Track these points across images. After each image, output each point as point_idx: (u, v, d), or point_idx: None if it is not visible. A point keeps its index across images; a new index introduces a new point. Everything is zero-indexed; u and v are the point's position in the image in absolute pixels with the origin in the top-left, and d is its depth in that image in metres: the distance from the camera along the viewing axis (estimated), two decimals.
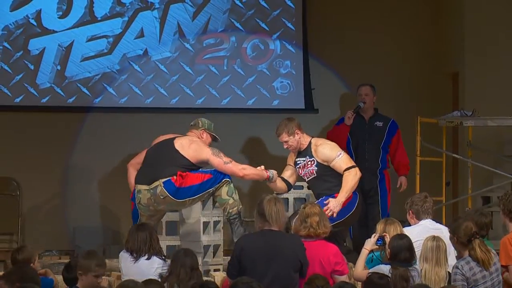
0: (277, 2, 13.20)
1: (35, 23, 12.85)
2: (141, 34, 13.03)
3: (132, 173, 9.63)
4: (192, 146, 9.45)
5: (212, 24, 13.14)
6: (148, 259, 8.30)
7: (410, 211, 8.95)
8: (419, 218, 8.88)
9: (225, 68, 13.16)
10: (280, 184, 9.94)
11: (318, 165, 9.80)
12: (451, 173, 12.71)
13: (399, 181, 11.36)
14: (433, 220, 8.96)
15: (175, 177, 9.27)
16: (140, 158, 9.68)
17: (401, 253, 7.88)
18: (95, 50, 12.96)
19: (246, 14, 13.18)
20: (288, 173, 10.03)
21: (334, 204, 9.52)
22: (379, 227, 8.51)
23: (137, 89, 13.00)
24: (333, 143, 10.09)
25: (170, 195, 9.27)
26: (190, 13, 13.10)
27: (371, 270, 7.92)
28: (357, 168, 9.81)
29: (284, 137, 9.89)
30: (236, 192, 9.48)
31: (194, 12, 13.09)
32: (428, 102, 13.03)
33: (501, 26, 12.74)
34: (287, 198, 10.73)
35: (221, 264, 10.00)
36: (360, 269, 8.21)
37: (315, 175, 9.83)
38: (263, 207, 8.01)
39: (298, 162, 9.96)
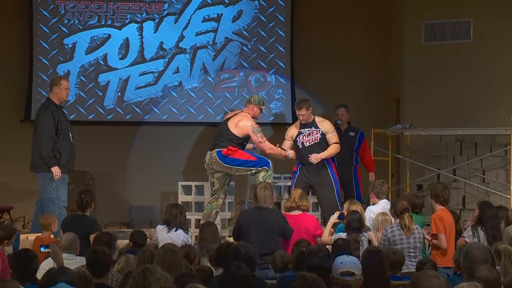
0: (273, 47, 13.24)
1: (102, 63, 12.93)
2: (177, 70, 13.08)
3: None
4: (238, 124, 9.75)
5: (227, 63, 13.17)
6: (175, 230, 8.09)
7: (372, 193, 8.92)
8: (379, 198, 8.85)
9: (236, 94, 13.20)
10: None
11: (322, 134, 9.97)
12: (395, 168, 12.72)
13: (370, 176, 11.00)
14: (387, 200, 9.00)
15: (225, 149, 9.60)
16: None
17: (353, 223, 7.94)
18: (145, 81, 13.02)
19: (251, 56, 13.23)
20: (287, 145, 10.11)
21: (316, 156, 9.80)
22: (345, 206, 8.57)
23: (174, 109, 13.05)
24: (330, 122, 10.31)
25: (219, 159, 9.61)
26: (211, 55, 13.14)
27: (334, 236, 7.97)
28: (339, 145, 10.05)
29: (303, 111, 9.96)
30: (270, 178, 9.61)
31: (214, 55, 13.14)
32: (379, 118, 13.03)
33: (433, 61, 12.69)
34: (280, 186, 10.73)
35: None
36: (326, 236, 8.27)
37: (318, 141, 9.96)
38: (256, 192, 8.13)
39: (302, 131, 10.03)
